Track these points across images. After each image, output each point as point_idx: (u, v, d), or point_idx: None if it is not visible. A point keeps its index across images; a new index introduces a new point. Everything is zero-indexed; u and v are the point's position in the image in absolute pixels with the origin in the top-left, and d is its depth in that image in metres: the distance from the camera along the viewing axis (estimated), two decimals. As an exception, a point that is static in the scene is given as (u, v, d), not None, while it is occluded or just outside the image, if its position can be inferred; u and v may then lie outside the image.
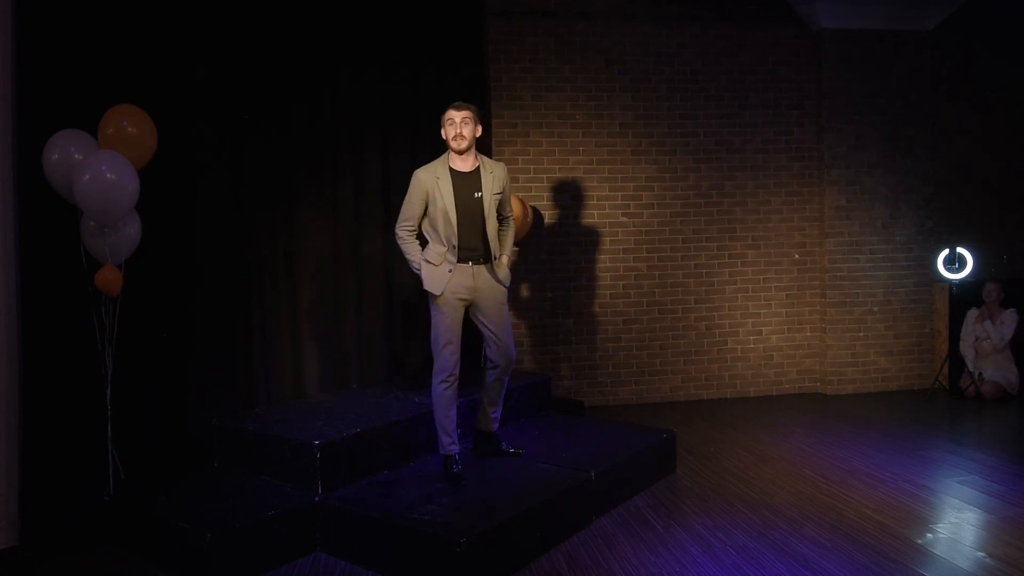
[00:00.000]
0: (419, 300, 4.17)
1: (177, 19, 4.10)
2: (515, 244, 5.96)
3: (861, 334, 6.55)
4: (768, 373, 6.54)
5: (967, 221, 6.81)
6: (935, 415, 5.77)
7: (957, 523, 3.71)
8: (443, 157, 3.86)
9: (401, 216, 3.90)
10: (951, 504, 3.96)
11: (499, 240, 3.96)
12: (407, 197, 3.87)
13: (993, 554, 3.34)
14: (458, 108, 3.79)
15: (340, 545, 3.49)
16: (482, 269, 3.88)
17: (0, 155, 3.60)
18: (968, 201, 6.87)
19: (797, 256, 6.57)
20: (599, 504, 3.90)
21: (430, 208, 3.82)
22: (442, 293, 3.79)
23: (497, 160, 4.57)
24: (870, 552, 3.36)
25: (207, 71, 4.24)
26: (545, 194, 6.17)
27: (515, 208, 5.37)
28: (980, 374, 6.26)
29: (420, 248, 3.91)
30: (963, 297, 6.41)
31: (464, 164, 3.84)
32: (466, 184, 3.82)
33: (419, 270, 3.85)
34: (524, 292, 6.16)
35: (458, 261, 3.81)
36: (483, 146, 5.11)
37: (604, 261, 6.27)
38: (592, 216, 6.25)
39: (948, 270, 6.42)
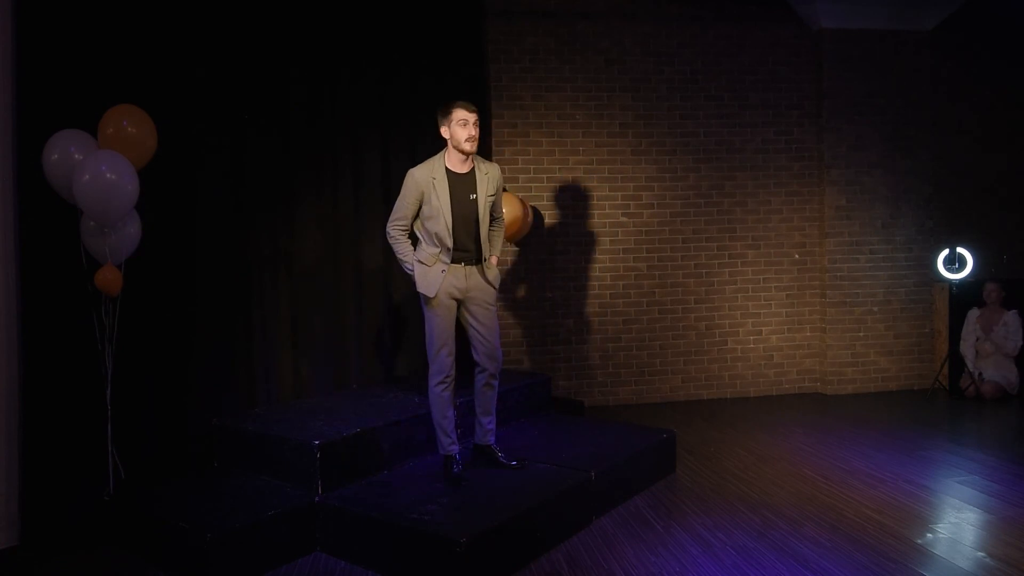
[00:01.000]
0: (418, 300, 4.15)
1: (177, 19, 4.10)
2: (515, 244, 5.99)
3: (861, 334, 6.55)
4: (768, 373, 6.54)
5: (967, 221, 6.81)
6: (935, 415, 5.77)
7: (957, 523, 3.71)
8: (439, 156, 3.78)
9: (393, 215, 3.83)
10: (951, 504, 3.95)
11: (489, 241, 3.91)
12: (401, 195, 3.80)
13: (993, 554, 3.34)
14: (470, 109, 3.70)
15: (340, 545, 3.49)
16: (474, 270, 3.83)
17: (0, 155, 3.60)
18: (968, 201, 6.87)
19: (797, 256, 6.57)
20: (599, 504, 3.90)
21: (424, 208, 3.75)
22: (436, 295, 3.75)
23: (495, 160, 4.55)
24: (870, 552, 3.36)
25: (207, 71, 4.24)
26: (545, 194, 6.17)
27: (515, 208, 5.39)
28: (980, 374, 6.27)
29: (412, 248, 3.86)
30: (963, 297, 6.42)
31: (462, 165, 3.77)
32: (462, 185, 3.76)
33: (411, 270, 3.81)
34: (524, 292, 6.16)
35: (451, 262, 3.77)
36: (482, 146, 5.10)
37: (604, 261, 6.27)
38: (592, 216, 6.25)
39: (948, 270, 6.42)
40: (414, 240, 3.90)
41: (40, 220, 3.64)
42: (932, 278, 6.64)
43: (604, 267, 6.27)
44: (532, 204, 5.96)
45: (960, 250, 6.39)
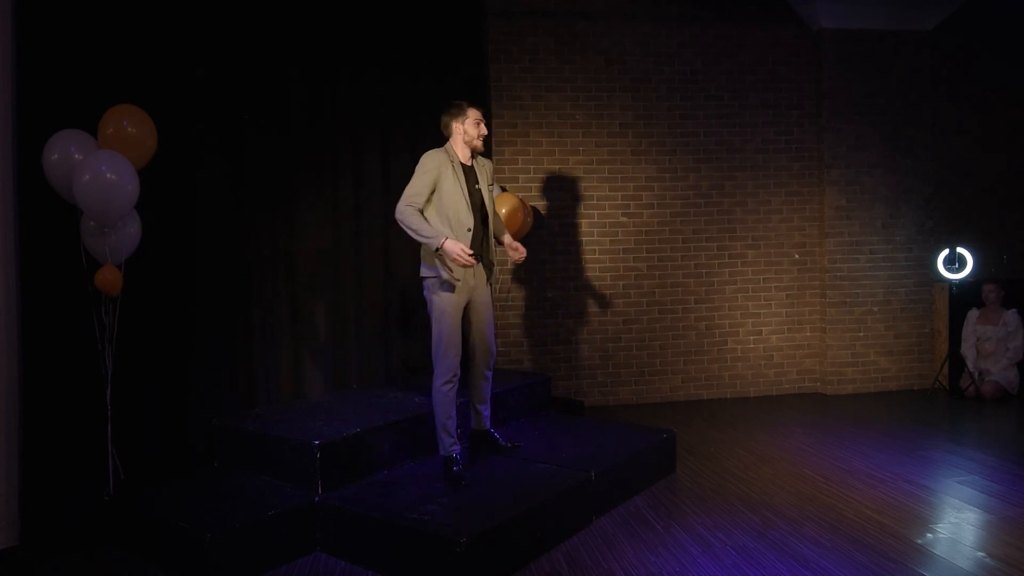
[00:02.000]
0: (418, 300, 4.16)
1: (177, 19, 4.10)
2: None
3: (861, 334, 6.55)
4: (768, 373, 6.54)
5: (967, 221, 6.81)
6: (935, 415, 5.77)
7: (957, 523, 3.71)
8: (446, 148, 3.89)
9: (407, 193, 3.74)
10: (951, 504, 3.95)
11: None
12: (417, 175, 3.75)
13: (993, 554, 3.34)
14: (480, 110, 3.91)
15: (340, 545, 3.49)
16: (480, 267, 3.92)
17: (0, 155, 3.60)
18: (968, 201, 6.88)
19: (797, 256, 6.57)
20: (599, 504, 3.90)
21: (436, 195, 3.77)
22: (454, 289, 3.77)
23: (495, 160, 4.58)
24: (870, 552, 3.36)
25: (207, 71, 4.24)
26: (545, 194, 6.17)
27: (515, 208, 5.39)
28: (981, 374, 6.27)
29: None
30: (963, 297, 6.42)
31: (466, 159, 3.92)
32: (470, 175, 3.90)
33: (430, 236, 3.63)
34: (524, 292, 6.16)
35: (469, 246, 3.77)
36: (483, 146, 5.09)
37: (604, 261, 6.27)
38: (592, 216, 6.25)
39: (948, 270, 6.42)
40: None
41: (40, 220, 3.64)
42: (932, 278, 6.64)
43: (604, 267, 6.27)
44: (532, 204, 5.96)
45: (960, 250, 6.40)
